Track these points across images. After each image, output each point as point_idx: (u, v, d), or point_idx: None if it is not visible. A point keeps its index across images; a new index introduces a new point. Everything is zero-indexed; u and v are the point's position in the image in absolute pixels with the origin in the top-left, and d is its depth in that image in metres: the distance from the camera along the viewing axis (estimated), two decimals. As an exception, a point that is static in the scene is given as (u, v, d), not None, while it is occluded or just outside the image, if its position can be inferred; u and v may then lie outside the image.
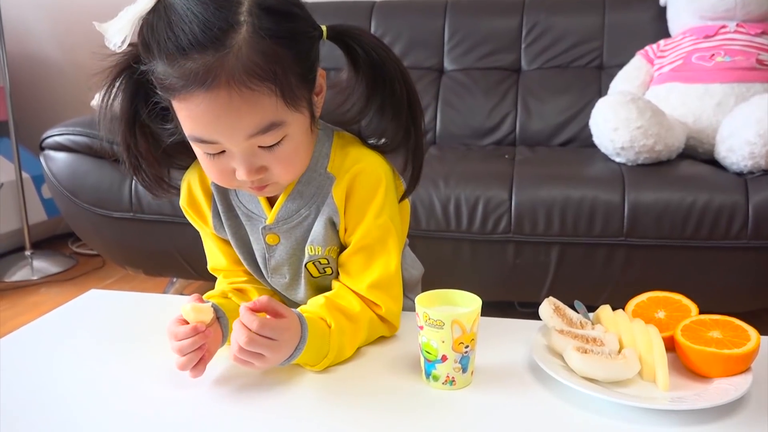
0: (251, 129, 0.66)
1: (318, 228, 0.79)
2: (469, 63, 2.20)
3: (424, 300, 0.72)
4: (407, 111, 0.77)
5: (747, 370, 0.69)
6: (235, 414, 0.67)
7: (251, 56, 0.62)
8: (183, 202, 0.84)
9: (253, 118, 0.65)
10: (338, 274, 0.83)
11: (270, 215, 0.79)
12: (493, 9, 2.23)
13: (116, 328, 0.88)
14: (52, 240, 2.60)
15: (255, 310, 0.68)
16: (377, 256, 0.79)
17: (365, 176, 0.77)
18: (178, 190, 0.83)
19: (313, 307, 0.78)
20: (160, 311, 0.92)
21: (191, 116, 0.65)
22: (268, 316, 0.69)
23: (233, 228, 0.82)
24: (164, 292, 2.08)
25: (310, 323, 0.72)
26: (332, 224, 0.79)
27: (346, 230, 0.79)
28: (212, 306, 0.72)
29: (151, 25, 0.64)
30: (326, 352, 0.74)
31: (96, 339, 0.85)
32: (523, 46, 2.18)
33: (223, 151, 0.68)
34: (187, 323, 0.71)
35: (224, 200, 0.82)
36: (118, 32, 0.65)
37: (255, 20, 0.63)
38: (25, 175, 2.40)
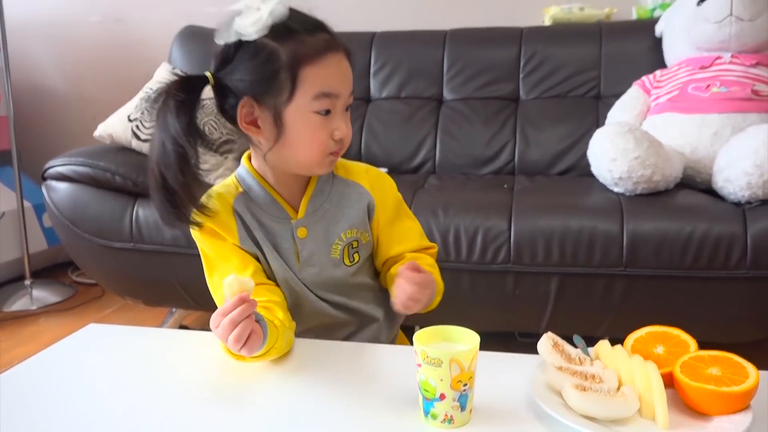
0: (351, 86, 0.87)
1: (356, 213, 0.94)
2: (468, 93, 2.22)
3: (422, 337, 0.72)
4: None
5: (746, 407, 0.69)
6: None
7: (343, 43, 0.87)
8: (207, 221, 0.88)
9: (352, 78, 0.87)
10: (362, 262, 0.95)
11: (300, 210, 0.92)
12: (491, 39, 2.26)
13: (115, 364, 0.88)
14: (52, 269, 2.60)
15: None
16: (408, 214, 1.00)
17: (372, 170, 0.99)
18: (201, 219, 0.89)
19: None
20: (159, 345, 0.93)
21: (328, 72, 0.84)
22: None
23: (263, 232, 0.91)
24: (163, 322, 2.08)
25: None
26: (368, 210, 0.95)
27: (379, 216, 0.95)
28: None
29: (284, 21, 0.82)
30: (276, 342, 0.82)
31: (94, 375, 0.84)
32: (521, 75, 2.20)
33: (330, 112, 0.85)
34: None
35: (250, 212, 0.92)
36: (256, 24, 0.80)
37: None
38: (26, 203, 2.41)
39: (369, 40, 2.30)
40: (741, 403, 0.69)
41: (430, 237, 1.61)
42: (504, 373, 0.81)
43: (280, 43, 0.82)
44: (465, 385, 0.69)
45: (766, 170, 1.51)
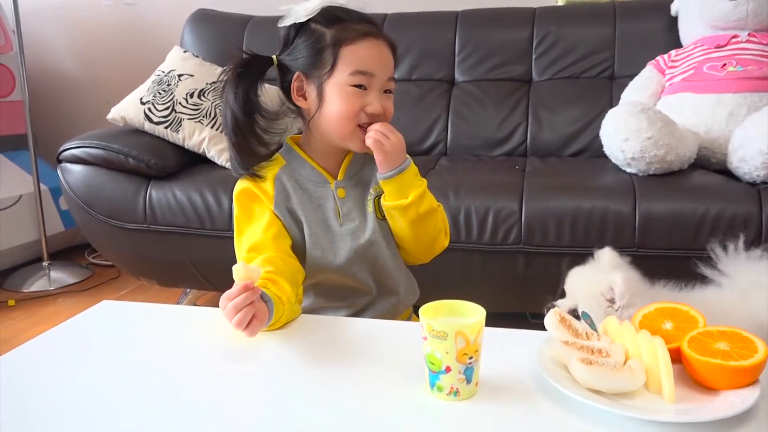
0: (391, 72, 0.99)
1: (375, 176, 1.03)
2: (480, 74, 2.20)
3: (428, 311, 0.72)
4: None
5: (755, 382, 0.69)
6: (244, 423, 0.68)
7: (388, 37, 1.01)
8: (246, 184, 1.01)
9: (391, 66, 1.00)
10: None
11: (339, 174, 1.03)
12: (503, 20, 2.24)
13: (128, 340, 0.89)
14: (69, 251, 2.64)
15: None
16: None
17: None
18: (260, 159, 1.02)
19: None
20: (171, 322, 0.94)
21: (367, 53, 0.96)
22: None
23: (304, 197, 1.01)
24: (177, 303, 2.10)
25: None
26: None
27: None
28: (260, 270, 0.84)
29: (334, 7, 0.98)
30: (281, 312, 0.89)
31: (107, 350, 0.86)
32: (533, 57, 2.18)
33: (365, 89, 0.96)
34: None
35: (293, 180, 1.02)
36: (306, 9, 0.96)
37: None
38: (43, 187, 2.44)
39: (380, 22, 2.27)
40: (749, 377, 0.68)
41: (441, 218, 1.62)
42: (511, 349, 0.81)
43: (328, 27, 0.96)
44: (471, 358, 0.69)
45: (782, 150, 1.48)
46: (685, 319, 0.79)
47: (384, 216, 1.03)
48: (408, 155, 1.00)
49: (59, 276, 2.40)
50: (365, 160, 1.06)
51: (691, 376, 0.72)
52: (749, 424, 0.65)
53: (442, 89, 2.21)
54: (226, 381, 0.76)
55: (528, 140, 2.09)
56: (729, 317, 0.79)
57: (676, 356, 0.73)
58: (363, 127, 0.98)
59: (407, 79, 2.25)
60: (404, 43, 2.25)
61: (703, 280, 1.02)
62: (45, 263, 2.42)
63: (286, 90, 1.01)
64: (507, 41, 2.20)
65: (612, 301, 0.97)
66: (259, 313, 0.80)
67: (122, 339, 0.89)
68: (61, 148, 1.85)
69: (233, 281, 0.81)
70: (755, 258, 1.02)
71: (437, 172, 1.84)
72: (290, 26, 0.98)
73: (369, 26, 0.98)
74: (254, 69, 0.99)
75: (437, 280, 1.69)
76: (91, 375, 0.79)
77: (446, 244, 1.09)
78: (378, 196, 1.03)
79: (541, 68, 2.17)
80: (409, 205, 0.98)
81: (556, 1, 2.31)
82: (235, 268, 0.81)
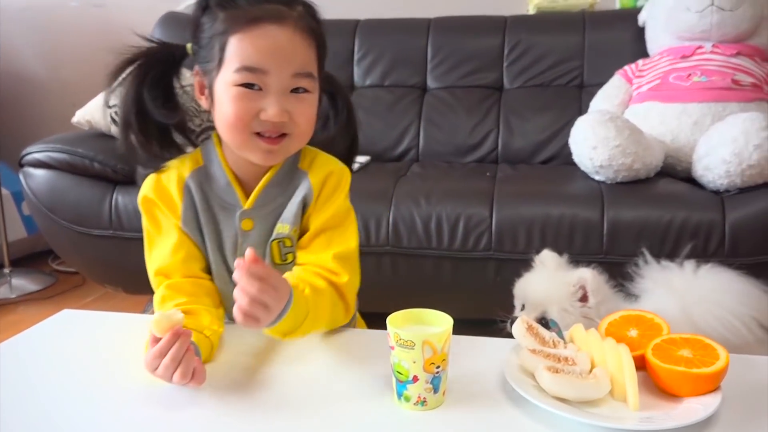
0: (298, 68, 0.79)
1: (291, 207, 0.87)
2: (452, 81, 2.22)
3: (395, 320, 0.71)
4: (351, 145, 0.97)
5: (716, 389, 0.69)
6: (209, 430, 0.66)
7: (307, 20, 0.81)
8: (149, 192, 0.87)
9: (303, 59, 0.80)
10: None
11: (249, 200, 0.86)
12: (475, 28, 2.25)
13: (89, 350, 0.87)
14: (31, 257, 2.57)
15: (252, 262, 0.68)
16: (340, 233, 0.88)
17: (336, 174, 0.89)
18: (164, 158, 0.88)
19: (288, 276, 0.80)
20: (133, 331, 0.92)
21: (255, 45, 0.77)
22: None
23: (208, 218, 0.87)
24: (144, 310, 2.06)
25: (293, 291, 0.74)
26: (303, 205, 0.87)
27: (310, 216, 0.87)
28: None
29: None
30: (305, 314, 0.76)
31: (67, 361, 0.83)
32: (505, 64, 2.20)
33: (260, 89, 0.79)
34: (158, 341, 0.70)
35: (201, 192, 0.87)
36: None
37: (307, 9, 0.82)
38: (4, 191, 2.38)
39: (353, 27, 2.29)
40: (711, 384, 0.69)
41: (412, 225, 1.62)
42: (478, 357, 0.81)
43: (221, 9, 0.79)
44: (438, 367, 0.69)
45: (745, 159, 1.52)
46: (650, 327, 0.80)
47: (284, 259, 0.88)
48: (288, 291, 0.73)
49: (21, 283, 2.33)
50: (291, 179, 0.87)
51: (655, 383, 0.73)
52: (712, 431, 0.66)
53: (414, 96, 2.21)
54: (188, 391, 0.74)
55: (499, 147, 2.10)
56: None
57: (641, 363, 0.73)
58: (263, 136, 0.81)
59: (379, 85, 2.24)
60: (377, 50, 2.25)
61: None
62: (6, 270, 2.35)
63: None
64: (479, 49, 2.21)
65: (584, 299, 0.99)
66: (197, 359, 0.72)
67: (83, 349, 0.87)
68: (24, 152, 1.80)
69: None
70: (703, 270, 1.04)
71: (409, 178, 1.84)
72: (197, 4, 0.82)
73: (269, 7, 0.78)
74: (165, 60, 0.84)
75: (408, 287, 1.69)
76: (50, 386, 0.76)
77: (347, 321, 0.90)
78: (279, 240, 0.87)
79: (512, 76, 2.19)
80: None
81: (527, 10, 2.34)
82: (153, 321, 0.70)
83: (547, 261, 1.09)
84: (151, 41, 0.85)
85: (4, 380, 0.78)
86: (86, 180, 1.77)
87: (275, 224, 0.87)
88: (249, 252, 0.68)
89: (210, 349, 0.80)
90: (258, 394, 0.74)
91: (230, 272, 0.83)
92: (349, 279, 0.85)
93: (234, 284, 0.79)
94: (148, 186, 0.88)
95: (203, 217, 0.87)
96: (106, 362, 0.82)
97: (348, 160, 0.95)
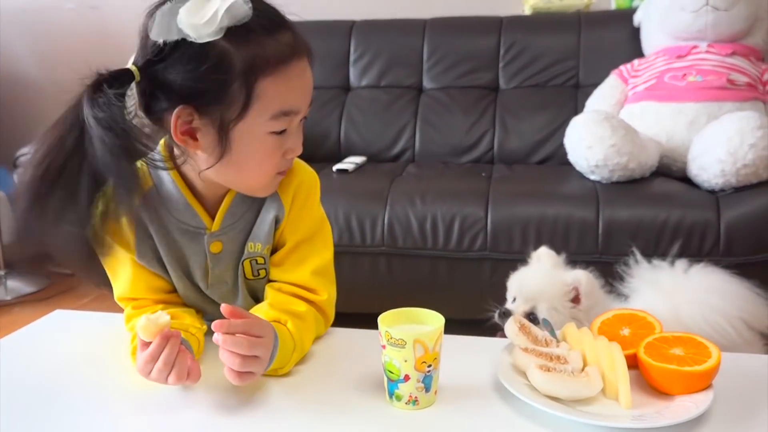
0: (311, 97, 0.75)
1: (262, 225, 0.81)
2: (448, 82, 2.22)
3: (386, 319, 0.71)
4: None
5: (708, 387, 0.69)
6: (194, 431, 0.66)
7: (303, 40, 0.73)
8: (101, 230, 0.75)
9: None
10: (269, 280, 0.84)
11: (215, 222, 0.80)
12: (471, 28, 2.25)
13: (81, 349, 0.86)
14: (26, 260, 2.56)
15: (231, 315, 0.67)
16: (316, 246, 0.84)
17: (306, 183, 0.83)
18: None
19: (262, 313, 0.78)
20: (125, 331, 0.91)
21: (291, 86, 0.71)
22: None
23: (167, 246, 0.80)
24: (140, 312, 2.05)
25: (276, 328, 0.74)
26: (275, 222, 0.81)
27: (283, 231, 0.82)
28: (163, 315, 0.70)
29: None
30: (292, 349, 0.76)
31: (60, 360, 0.83)
32: (501, 65, 2.20)
33: (286, 130, 0.73)
34: (148, 345, 0.69)
35: (156, 219, 0.78)
36: (208, 24, 0.66)
37: (295, 27, 0.74)
38: (0, 193, 2.37)
39: (348, 28, 2.29)
40: (703, 382, 0.69)
41: (408, 225, 1.62)
42: (471, 356, 0.80)
43: (234, 45, 0.67)
44: (429, 366, 0.69)
45: (740, 158, 1.52)
46: (642, 325, 0.80)
47: (256, 275, 0.83)
48: (273, 339, 0.71)
49: (16, 285, 2.33)
50: (251, 199, 0.80)
51: (647, 381, 0.72)
52: (704, 428, 0.66)
53: (410, 96, 2.21)
54: (182, 391, 0.74)
55: (495, 147, 2.10)
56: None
57: (633, 362, 0.73)
58: (281, 173, 0.77)
59: (375, 85, 2.24)
60: (372, 50, 2.25)
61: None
62: (2, 272, 2.34)
63: (154, 115, 0.72)
64: (475, 49, 2.21)
65: (576, 300, 0.99)
66: (190, 357, 0.70)
67: (75, 348, 0.86)
68: (18, 153, 1.80)
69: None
70: (693, 270, 1.04)
71: (404, 179, 1.84)
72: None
73: (289, 39, 0.70)
74: (114, 89, 0.68)
75: (403, 287, 1.69)
76: (42, 384, 0.76)
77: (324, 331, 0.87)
78: (252, 259, 0.82)
79: (508, 76, 2.19)
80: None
81: (523, 11, 2.34)
82: (139, 327, 0.67)
83: (544, 258, 1.09)
84: (98, 73, 0.69)
85: (-5, 381, 0.78)
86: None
87: (244, 242, 0.81)
88: (224, 308, 0.67)
89: (198, 346, 0.80)
90: (251, 394, 0.73)
91: (201, 293, 0.84)
92: (329, 295, 0.84)
93: (210, 302, 0.79)
94: (94, 216, 0.74)
95: (162, 246, 0.79)
96: (98, 361, 0.82)
97: None
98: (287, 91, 0.71)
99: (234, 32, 0.67)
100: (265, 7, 0.71)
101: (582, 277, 1.00)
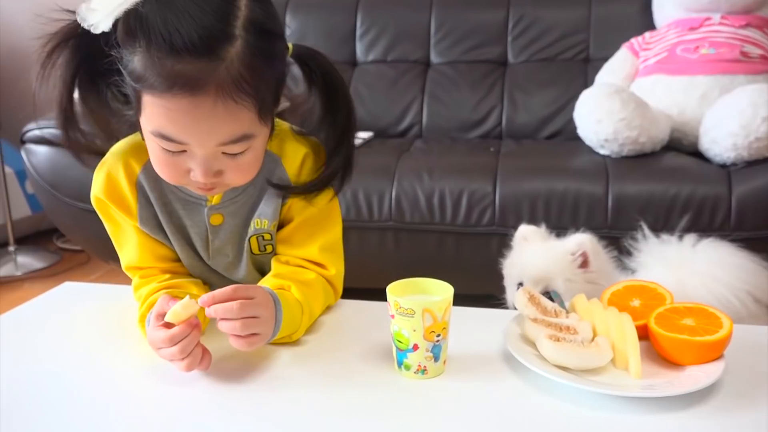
0: (225, 137, 0.67)
1: (269, 201, 0.81)
2: (456, 56, 2.19)
3: (395, 288, 0.71)
4: (346, 126, 0.81)
5: (720, 357, 0.69)
6: (211, 405, 0.67)
7: (241, 71, 0.64)
8: (100, 193, 0.80)
9: (231, 128, 0.67)
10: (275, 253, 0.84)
11: (216, 196, 0.79)
12: (479, 2, 2.22)
13: (90, 321, 0.87)
14: (36, 236, 2.57)
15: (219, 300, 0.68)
16: (325, 223, 0.83)
17: (312, 155, 0.81)
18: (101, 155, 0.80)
19: (266, 283, 0.78)
20: (132, 303, 0.92)
21: (167, 115, 0.65)
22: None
23: (167, 215, 0.80)
24: (149, 287, 2.07)
25: (278, 294, 0.74)
26: (281, 198, 0.81)
27: (291, 206, 0.82)
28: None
29: (142, 16, 0.63)
30: (300, 313, 0.76)
31: (68, 331, 0.84)
32: (509, 39, 2.17)
33: (184, 151, 0.68)
34: (168, 326, 0.68)
35: (156, 188, 0.79)
36: (106, 17, 0.64)
37: (249, 37, 0.65)
38: (8, 169, 2.37)
39: (355, 2, 2.25)
40: (714, 352, 0.69)
41: (415, 201, 1.61)
42: (480, 327, 0.80)
43: (128, 43, 0.64)
44: (438, 335, 0.69)
45: (752, 131, 1.50)
46: (653, 296, 0.79)
47: (262, 250, 0.84)
48: (274, 310, 0.72)
49: (26, 261, 2.34)
50: (262, 165, 0.77)
51: (657, 352, 0.72)
52: (714, 399, 0.65)
53: (417, 71, 2.18)
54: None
55: (503, 122, 2.08)
56: None
57: (644, 333, 0.73)
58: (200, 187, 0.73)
59: (382, 60, 2.22)
60: (379, 25, 2.22)
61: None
62: (11, 248, 2.36)
63: None
64: (482, 23, 2.18)
65: (584, 265, 0.98)
66: (203, 348, 0.70)
67: (84, 320, 0.87)
68: (25, 129, 1.80)
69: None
70: (702, 244, 1.03)
71: (412, 154, 1.83)
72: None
73: (180, 69, 0.61)
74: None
75: (411, 262, 1.69)
76: (51, 356, 0.77)
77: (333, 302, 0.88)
78: (259, 236, 0.82)
79: (516, 50, 2.16)
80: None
81: (532, -17, 2.30)
82: (171, 313, 0.67)
83: (530, 235, 1.07)
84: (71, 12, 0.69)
85: (6, 350, 0.78)
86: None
87: (249, 217, 0.81)
88: (201, 300, 0.67)
89: (203, 317, 0.78)
90: (259, 364, 0.74)
91: (204, 263, 0.84)
92: (337, 270, 0.84)
93: (214, 273, 0.79)
94: (98, 185, 0.80)
95: (162, 215, 0.80)
96: (106, 333, 0.82)
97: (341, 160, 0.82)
98: (165, 119, 0.65)
99: (131, 38, 0.63)
100: (185, 27, 0.61)
101: (585, 240, 0.99)
